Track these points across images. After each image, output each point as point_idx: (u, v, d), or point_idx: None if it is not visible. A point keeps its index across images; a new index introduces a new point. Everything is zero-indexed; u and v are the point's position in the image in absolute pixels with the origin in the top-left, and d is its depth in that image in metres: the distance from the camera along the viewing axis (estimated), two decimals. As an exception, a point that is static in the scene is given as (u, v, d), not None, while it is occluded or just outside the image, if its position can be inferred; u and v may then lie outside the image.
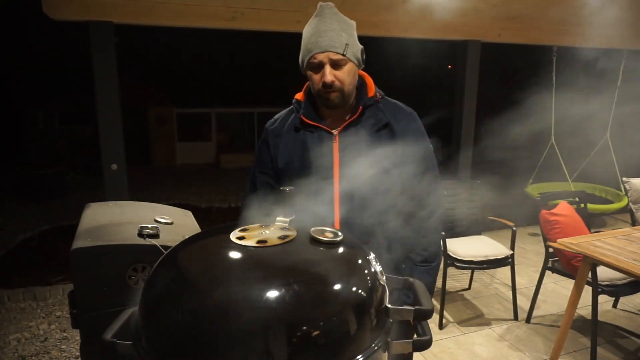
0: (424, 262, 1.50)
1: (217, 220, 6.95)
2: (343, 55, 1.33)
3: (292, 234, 0.87)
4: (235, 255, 0.81)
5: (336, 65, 1.34)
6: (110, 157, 3.39)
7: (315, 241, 0.86)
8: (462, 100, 4.57)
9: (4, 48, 13.21)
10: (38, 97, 12.66)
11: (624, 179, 3.57)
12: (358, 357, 0.74)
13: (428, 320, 0.88)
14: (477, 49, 4.47)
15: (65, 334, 3.12)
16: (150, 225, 1.63)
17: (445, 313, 3.35)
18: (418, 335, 0.85)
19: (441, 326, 3.18)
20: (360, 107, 1.43)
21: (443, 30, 4.29)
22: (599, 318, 2.84)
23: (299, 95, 1.53)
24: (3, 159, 11.03)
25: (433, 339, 0.85)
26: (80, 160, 11.65)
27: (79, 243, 1.53)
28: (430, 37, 4.29)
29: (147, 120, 13.09)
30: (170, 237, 1.64)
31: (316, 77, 1.37)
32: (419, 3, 3.67)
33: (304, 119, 1.46)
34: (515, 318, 3.29)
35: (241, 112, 15.38)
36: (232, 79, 16.10)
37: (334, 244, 0.86)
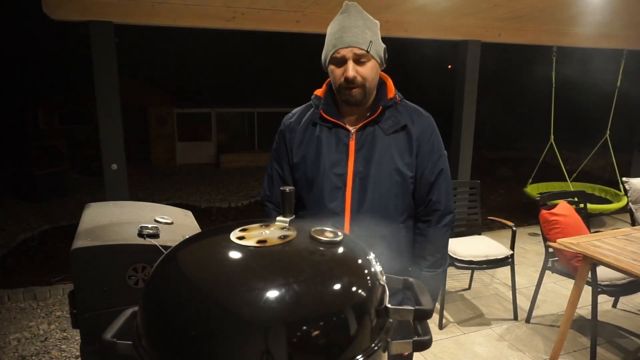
0: (430, 268, 1.49)
1: (217, 220, 6.95)
2: (367, 51, 1.34)
3: (292, 233, 0.86)
4: (235, 255, 0.81)
5: (359, 61, 1.35)
6: (110, 157, 3.39)
7: (315, 241, 0.86)
8: (462, 100, 4.57)
9: (4, 48, 13.21)
10: (38, 97, 12.65)
11: (624, 179, 3.56)
12: (358, 357, 0.74)
13: (428, 320, 0.88)
14: (477, 49, 4.47)
15: (65, 334, 3.12)
16: (150, 225, 1.63)
17: (445, 313, 3.35)
18: (418, 335, 0.85)
19: (441, 326, 3.18)
20: (380, 107, 1.43)
21: (443, 30, 4.29)
22: (599, 318, 2.84)
23: (318, 92, 1.54)
24: (3, 158, 11.03)
25: (433, 339, 0.85)
26: (80, 160, 11.66)
27: (79, 243, 1.53)
28: (430, 37, 4.30)
29: (147, 120, 13.08)
30: (170, 237, 1.65)
31: (338, 72, 1.37)
32: (419, 3, 3.68)
33: (323, 114, 1.46)
34: (515, 318, 3.29)
35: (241, 112, 15.37)
36: (232, 79, 16.11)
37: (333, 244, 0.86)
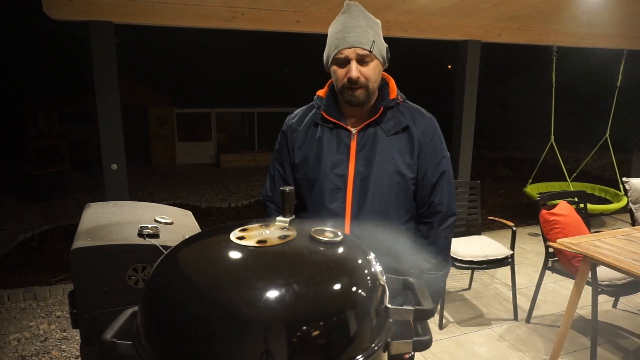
0: (432, 270, 1.48)
1: (217, 220, 6.95)
2: (369, 51, 1.33)
3: (292, 233, 0.86)
4: (235, 255, 0.81)
5: (362, 61, 1.34)
6: (110, 157, 3.39)
7: (315, 241, 0.86)
8: (462, 100, 4.57)
9: (4, 48, 13.21)
10: (38, 97, 12.66)
11: (624, 179, 3.57)
12: (358, 357, 0.74)
13: (428, 320, 0.88)
14: (477, 49, 4.47)
15: (65, 334, 3.12)
16: (150, 225, 1.63)
17: (445, 313, 3.35)
18: (418, 335, 0.85)
19: (441, 326, 3.18)
20: (382, 108, 1.42)
21: (443, 30, 4.29)
22: (599, 318, 2.84)
23: (320, 92, 1.53)
24: (3, 159, 11.03)
25: (433, 339, 0.85)
26: (80, 160, 11.66)
27: (79, 243, 1.53)
28: (430, 37, 4.30)
29: (147, 120, 13.08)
30: (170, 237, 1.65)
31: (341, 72, 1.37)
32: (419, 3, 3.68)
33: (324, 115, 1.45)
34: (515, 318, 3.29)
35: (241, 112, 15.37)
36: (232, 79, 16.11)
37: (333, 244, 0.86)
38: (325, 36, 1.42)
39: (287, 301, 0.71)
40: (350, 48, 1.32)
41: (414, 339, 0.83)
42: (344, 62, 1.35)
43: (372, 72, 1.36)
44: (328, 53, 1.39)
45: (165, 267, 0.85)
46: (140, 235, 1.60)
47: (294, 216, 0.92)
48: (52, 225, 6.51)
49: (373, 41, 1.33)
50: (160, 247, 1.54)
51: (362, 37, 1.32)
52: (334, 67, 1.39)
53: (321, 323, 0.71)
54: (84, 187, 9.33)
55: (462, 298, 3.66)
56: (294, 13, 3.69)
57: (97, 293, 1.54)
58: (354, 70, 1.33)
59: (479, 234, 3.61)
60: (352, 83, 1.34)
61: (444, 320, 3.24)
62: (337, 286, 0.77)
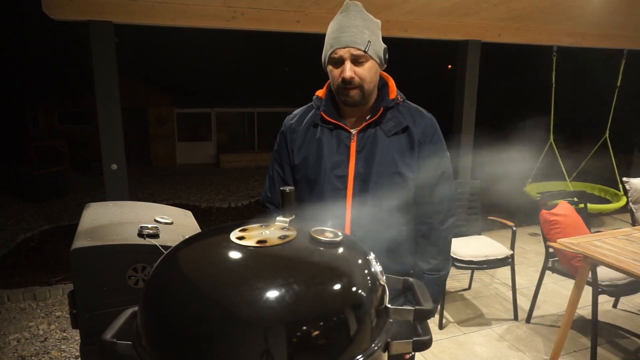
0: (432, 270, 1.48)
1: (217, 220, 6.95)
2: (364, 52, 1.32)
3: (292, 234, 0.86)
4: (235, 255, 0.81)
5: (357, 61, 1.33)
6: (110, 157, 3.39)
7: (315, 241, 0.86)
8: (462, 100, 4.57)
9: (4, 48, 13.22)
10: (38, 97, 12.66)
11: (624, 179, 3.56)
12: (358, 357, 0.74)
13: (428, 320, 0.88)
14: (477, 49, 4.47)
15: (65, 334, 3.12)
16: (150, 225, 1.63)
17: (445, 313, 3.35)
18: (418, 335, 0.85)
19: (441, 326, 3.18)
20: (382, 108, 1.42)
21: (443, 30, 4.29)
22: (599, 318, 2.84)
23: (320, 92, 1.52)
24: (3, 158, 11.03)
25: (433, 339, 0.85)
26: (80, 160, 11.67)
27: (79, 243, 1.53)
28: (430, 37, 4.29)
29: (147, 120, 13.09)
30: (170, 237, 1.64)
31: (336, 72, 1.36)
32: (419, 3, 3.67)
33: (324, 115, 1.45)
34: (515, 318, 3.29)
35: (241, 112, 15.38)
36: (232, 79, 16.12)
37: (333, 244, 0.86)
38: (325, 36, 1.41)
39: (287, 301, 0.71)
40: (344, 48, 1.32)
41: (414, 339, 0.83)
42: (339, 62, 1.35)
43: (367, 72, 1.35)
44: (324, 53, 1.39)
45: (165, 267, 0.85)
46: (140, 235, 1.60)
47: (294, 216, 0.92)
48: (52, 225, 6.51)
49: (369, 41, 1.32)
50: (160, 247, 1.54)
51: (357, 37, 1.31)
52: (330, 67, 1.39)
53: (321, 323, 0.71)
54: (84, 187, 9.33)
55: (462, 298, 3.66)
56: (294, 13, 3.69)
57: (97, 293, 1.54)
58: (348, 70, 1.32)
59: (479, 234, 3.61)
60: (346, 83, 1.34)
61: (444, 320, 3.23)
62: (337, 286, 0.77)
